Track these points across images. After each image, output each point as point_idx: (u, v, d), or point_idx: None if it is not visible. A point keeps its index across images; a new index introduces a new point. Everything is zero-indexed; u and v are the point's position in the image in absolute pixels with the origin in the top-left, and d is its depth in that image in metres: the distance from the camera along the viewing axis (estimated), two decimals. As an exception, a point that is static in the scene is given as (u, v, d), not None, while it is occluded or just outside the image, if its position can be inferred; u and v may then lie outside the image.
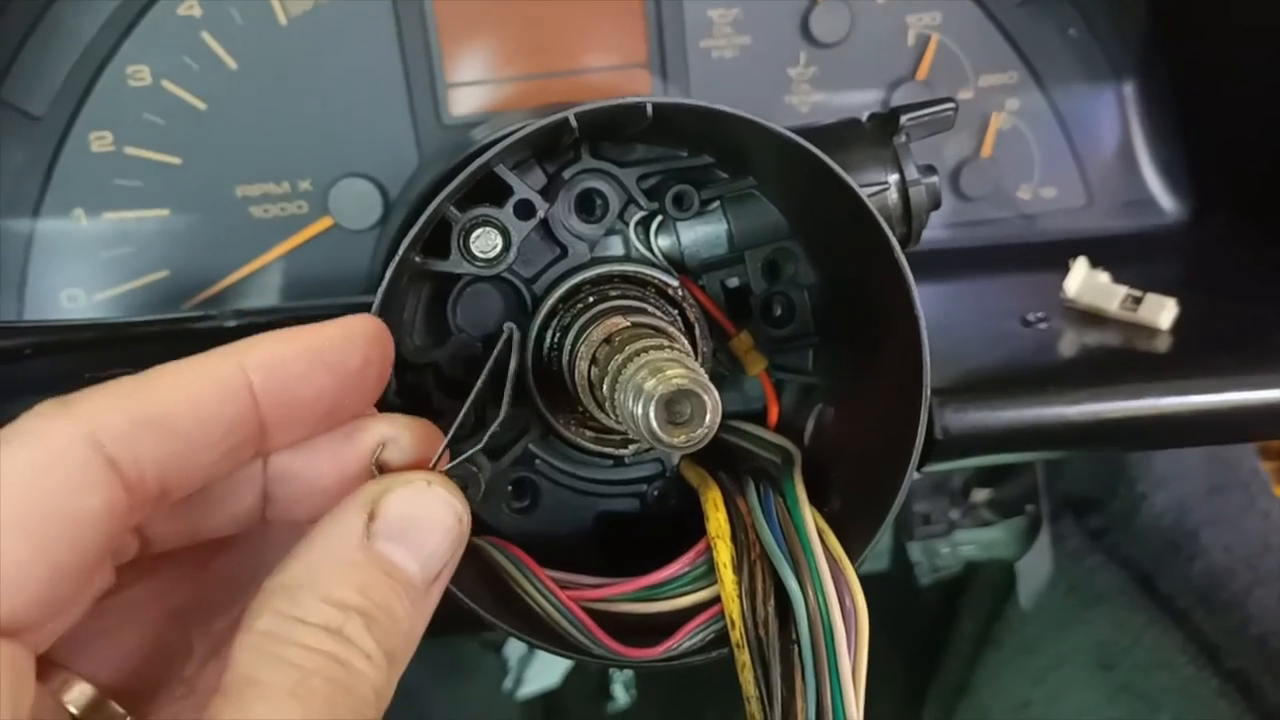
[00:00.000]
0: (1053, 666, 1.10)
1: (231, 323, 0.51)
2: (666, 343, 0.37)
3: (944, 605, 1.21)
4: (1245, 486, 1.07)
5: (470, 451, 0.38)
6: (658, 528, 0.48)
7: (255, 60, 0.61)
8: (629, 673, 1.15)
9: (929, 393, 0.40)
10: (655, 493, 0.48)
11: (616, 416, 0.35)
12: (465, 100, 0.63)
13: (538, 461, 0.47)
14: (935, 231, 0.67)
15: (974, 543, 1.09)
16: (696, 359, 0.47)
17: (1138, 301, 0.55)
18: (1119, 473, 1.09)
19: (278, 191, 0.63)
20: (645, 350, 0.35)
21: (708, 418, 0.32)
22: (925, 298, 0.63)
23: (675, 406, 0.32)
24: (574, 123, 0.39)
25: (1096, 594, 1.08)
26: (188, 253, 0.62)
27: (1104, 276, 0.57)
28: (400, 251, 0.37)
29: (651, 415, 0.32)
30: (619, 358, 0.36)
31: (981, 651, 1.18)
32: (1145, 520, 1.06)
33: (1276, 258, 0.63)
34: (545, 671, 1.13)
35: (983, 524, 1.08)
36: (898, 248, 0.39)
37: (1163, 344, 0.54)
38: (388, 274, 0.37)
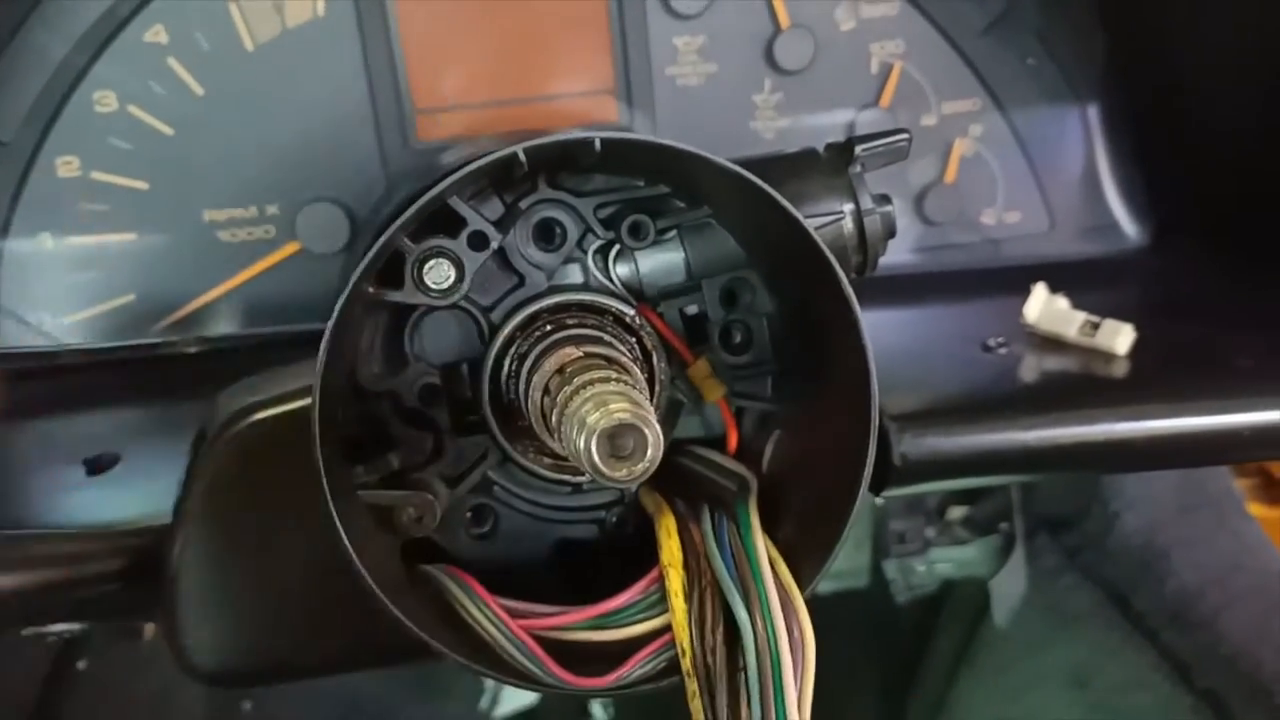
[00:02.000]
0: (1029, 685, 1.10)
1: (193, 349, 0.51)
2: (615, 375, 0.37)
3: (922, 622, 1.22)
4: (1217, 505, 1.07)
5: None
6: (617, 553, 0.48)
7: (222, 86, 0.62)
8: (606, 692, 1.14)
9: (877, 422, 0.40)
10: (614, 519, 0.48)
11: (565, 447, 0.36)
12: (433, 125, 0.64)
13: (496, 488, 0.47)
14: (901, 256, 0.68)
15: (949, 561, 1.09)
16: (654, 386, 0.47)
17: (1095, 327, 0.56)
18: (1093, 492, 1.10)
19: (245, 216, 0.63)
20: (592, 383, 0.36)
21: (649, 452, 0.32)
22: (888, 323, 0.64)
23: (617, 440, 0.33)
24: (522, 157, 0.39)
25: (1071, 613, 1.09)
26: (155, 277, 0.62)
27: (1063, 302, 0.57)
28: (350, 283, 0.37)
29: (593, 449, 0.32)
30: (568, 389, 0.37)
31: (958, 669, 1.18)
32: (1118, 539, 1.07)
33: (1235, 282, 0.64)
34: (522, 691, 1.13)
35: (958, 542, 1.08)
36: (844, 280, 0.40)
37: (1120, 369, 0.55)
38: (337, 306, 0.37)
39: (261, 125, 0.62)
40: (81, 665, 0.82)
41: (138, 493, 0.53)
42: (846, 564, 1.16)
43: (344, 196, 0.63)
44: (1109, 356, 0.55)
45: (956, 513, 1.07)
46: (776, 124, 0.66)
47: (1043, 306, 0.57)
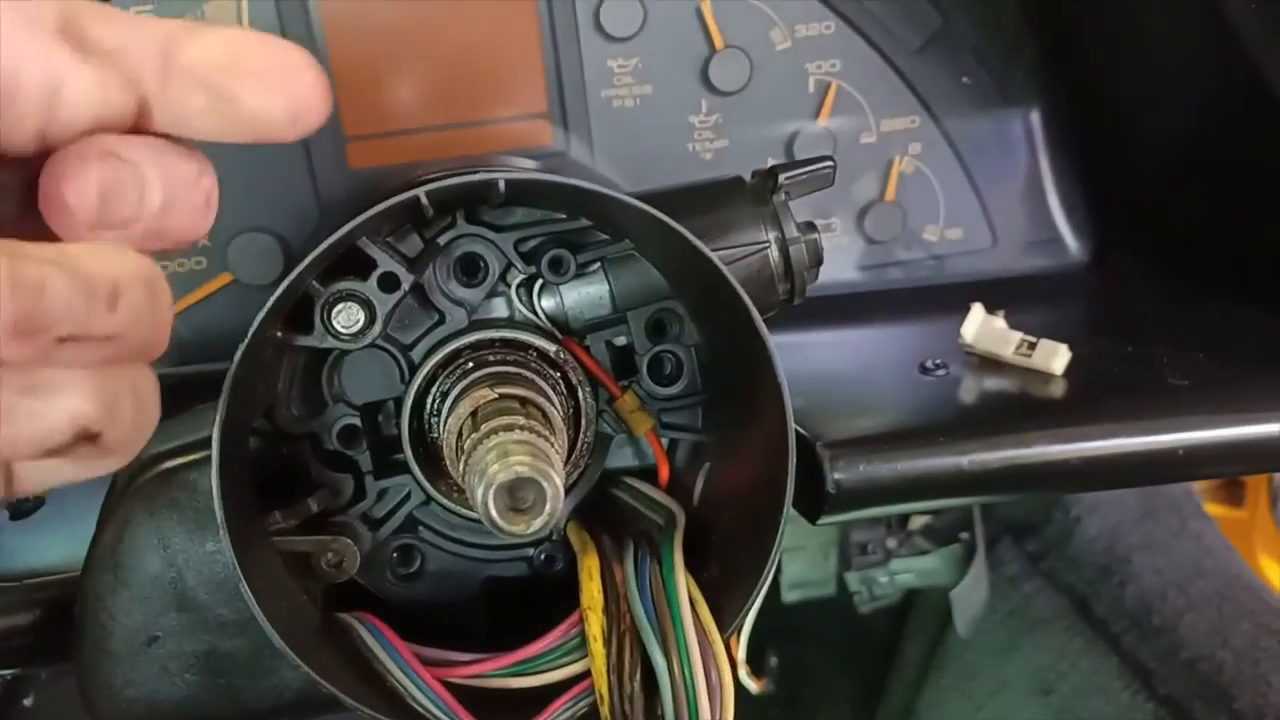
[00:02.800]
0: (994, 692, 1.10)
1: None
2: (525, 420, 0.37)
3: (888, 632, 1.21)
4: (1178, 509, 1.08)
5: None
6: (547, 592, 0.48)
7: (149, 115, 0.60)
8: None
9: (794, 452, 0.40)
10: (542, 556, 0.48)
11: (468, 497, 0.35)
12: (366, 152, 0.63)
13: (422, 528, 0.47)
14: (843, 274, 0.67)
15: (911, 571, 1.09)
16: (580, 421, 0.47)
17: (1032, 347, 0.55)
18: (1054, 497, 1.10)
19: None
20: (498, 430, 0.35)
21: (548, 506, 0.32)
22: (827, 344, 0.64)
23: (517, 493, 0.32)
24: (425, 200, 0.38)
25: (1035, 619, 1.09)
26: (84, 311, 0.61)
27: (1000, 322, 0.57)
28: (251, 331, 0.36)
29: (490, 502, 0.32)
30: (474, 435, 0.36)
31: (925, 677, 1.18)
32: (1080, 545, 1.07)
33: (1174, 299, 0.64)
34: None
35: (919, 552, 1.08)
36: (756, 314, 0.39)
37: (1056, 390, 0.55)
38: (237, 355, 0.37)
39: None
40: (28, 702, 0.81)
41: (61, 536, 0.52)
42: (814, 574, 1.15)
43: (276, 226, 0.62)
44: (1046, 377, 0.55)
45: (918, 523, 1.07)
46: (715, 144, 0.65)
47: (979, 326, 0.57)
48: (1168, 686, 0.94)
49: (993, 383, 0.56)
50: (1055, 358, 0.55)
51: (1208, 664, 0.93)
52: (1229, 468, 0.71)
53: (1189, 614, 0.98)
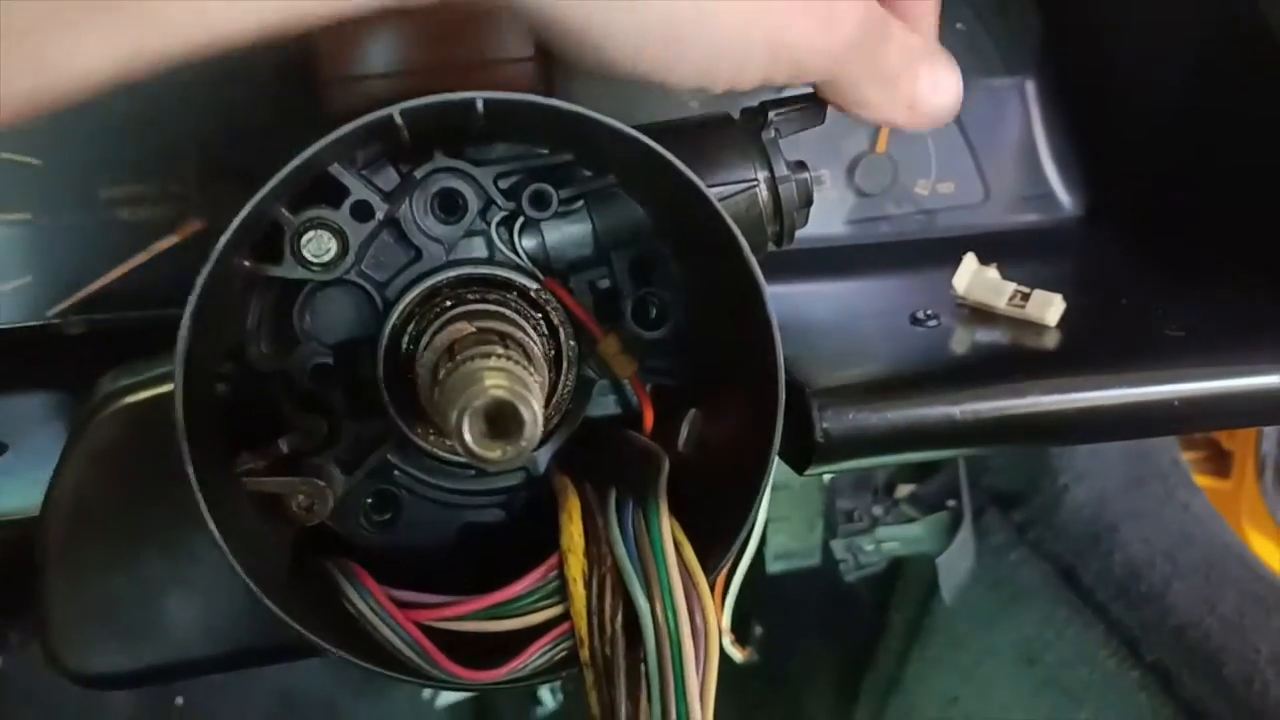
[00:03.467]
0: (979, 662, 1.10)
1: (76, 330, 0.48)
2: (502, 350, 0.35)
3: (874, 601, 1.21)
4: (1165, 478, 1.07)
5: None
6: (526, 538, 0.46)
7: (118, 55, 0.59)
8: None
9: (783, 399, 0.38)
10: (522, 501, 0.46)
11: (443, 426, 0.33)
12: (344, 95, 0.61)
13: (397, 473, 0.45)
14: (832, 228, 0.66)
15: (897, 539, 1.08)
16: (561, 364, 0.45)
17: (1026, 298, 0.54)
18: (1041, 466, 1.09)
19: (145, 193, 0.60)
20: (473, 359, 0.34)
21: (526, 430, 0.30)
22: (816, 295, 0.63)
23: (494, 418, 0.31)
24: (399, 119, 0.37)
25: (1021, 588, 1.08)
26: (51, 258, 0.59)
27: (993, 272, 0.56)
28: (214, 253, 0.35)
29: (465, 426, 0.30)
30: (449, 365, 0.34)
31: (911, 647, 1.18)
32: (1067, 514, 1.06)
33: (1169, 253, 0.63)
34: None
35: (905, 520, 1.08)
36: (746, 248, 0.38)
37: (1050, 340, 0.54)
38: (199, 280, 0.35)
39: (160, 96, 0.59)
40: (-1, 664, 0.80)
41: (25, 482, 0.51)
42: (798, 543, 1.15)
43: (250, 171, 0.60)
44: (1040, 328, 0.54)
45: (904, 490, 1.06)
46: (702, 92, 0.63)
47: (972, 277, 0.56)
48: (1155, 654, 0.94)
49: (985, 334, 0.55)
50: (1050, 309, 0.53)
51: (1195, 631, 0.93)
52: (1224, 420, 0.70)
53: (1176, 582, 0.97)
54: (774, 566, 1.14)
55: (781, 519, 1.13)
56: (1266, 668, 0.86)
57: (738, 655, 0.92)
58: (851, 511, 1.07)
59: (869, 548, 1.08)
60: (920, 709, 1.15)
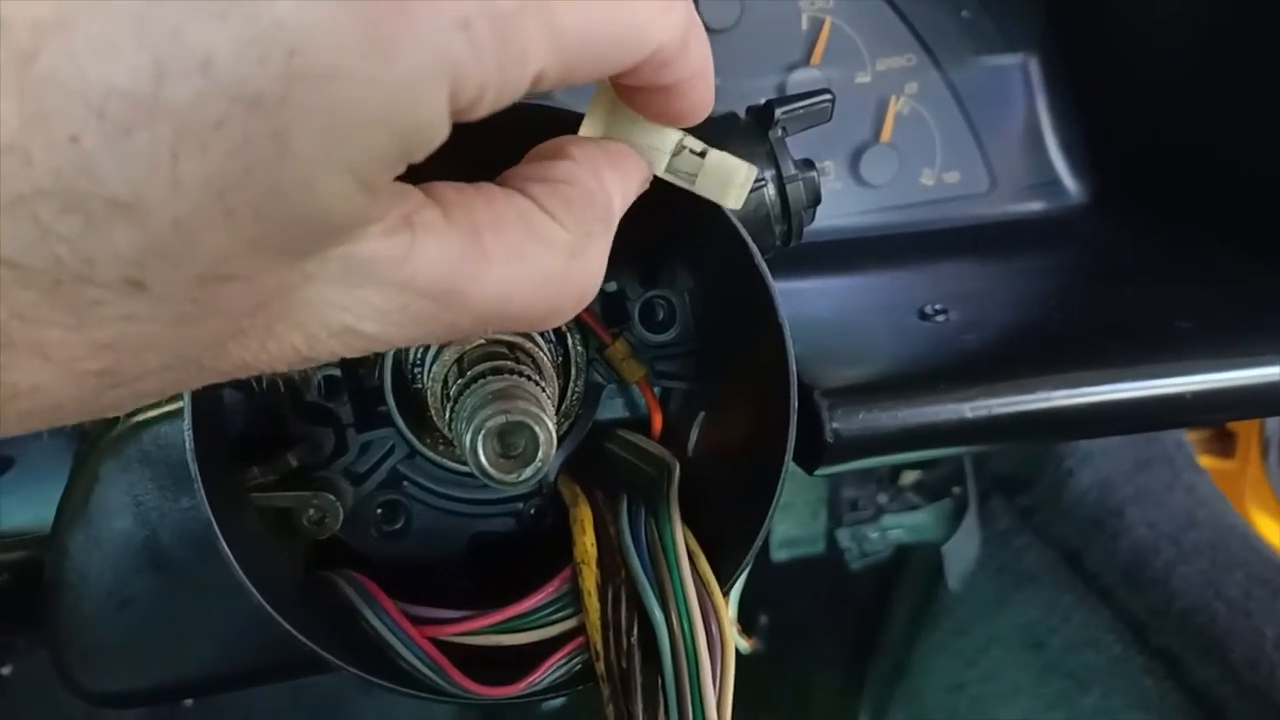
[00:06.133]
0: (985, 647, 1.10)
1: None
2: (513, 365, 0.35)
3: (879, 588, 1.21)
4: (1170, 461, 1.07)
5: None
6: (536, 547, 0.46)
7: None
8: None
9: (796, 402, 0.38)
10: (532, 510, 0.46)
11: (456, 446, 0.33)
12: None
13: (407, 483, 0.45)
14: (836, 220, 0.65)
15: (902, 527, 1.08)
16: (570, 370, 0.45)
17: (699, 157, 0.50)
18: (1045, 451, 1.09)
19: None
20: (486, 375, 0.33)
21: (540, 451, 0.30)
22: (822, 291, 0.62)
23: (509, 439, 0.30)
24: None
25: (1026, 573, 1.08)
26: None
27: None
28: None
29: (480, 449, 0.30)
30: (460, 382, 0.34)
31: (916, 634, 1.18)
32: (1072, 498, 1.06)
33: (1177, 241, 0.62)
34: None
35: (910, 508, 1.07)
36: (756, 252, 0.37)
37: (1060, 333, 0.53)
38: None
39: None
40: (6, 671, 0.79)
41: (31, 497, 0.50)
42: (803, 531, 1.15)
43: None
44: (1046, 321, 0.53)
45: (909, 478, 1.06)
46: (705, 86, 0.63)
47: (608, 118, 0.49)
48: (1160, 639, 0.94)
49: (995, 328, 0.54)
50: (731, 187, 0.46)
51: (1201, 616, 0.93)
52: (1235, 412, 0.70)
53: (1181, 566, 0.97)
54: (779, 554, 1.14)
55: (786, 506, 1.13)
56: (1273, 651, 0.86)
57: (744, 645, 0.92)
58: (856, 500, 1.07)
59: (874, 536, 1.08)
60: (926, 695, 1.16)
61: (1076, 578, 1.03)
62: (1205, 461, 1.16)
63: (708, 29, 0.61)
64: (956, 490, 1.07)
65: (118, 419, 0.40)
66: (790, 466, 0.46)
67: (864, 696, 1.22)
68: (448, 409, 0.34)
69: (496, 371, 0.33)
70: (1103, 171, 0.67)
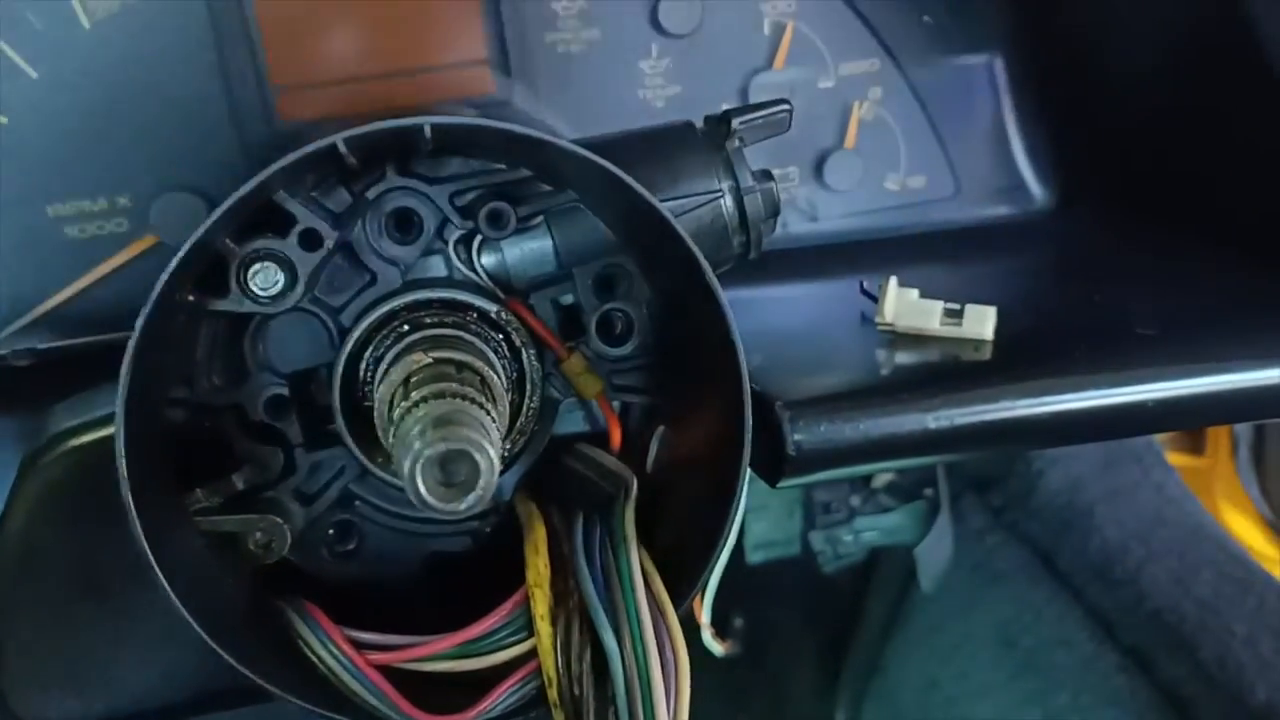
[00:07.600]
0: (958, 645, 1.10)
1: (24, 361, 0.46)
2: (459, 387, 0.34)
3: (853, 589, 1.21)
4: (1139, 459, 1.07)
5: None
6: (495, 565, 0.45)
7: (59, 68, 0.56)
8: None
9: (750, 417, 0.37)
10: (489, 529, 0.45)
11: (397, 471, 0.32)
12: (296, 104, 0.59)
13: (358, 503, 0.44)
14: (801, 226, 0.65)
15: (875, 529, 1.08)
16: (525, 386, 0.44)
17: (957, 314, 0.51)
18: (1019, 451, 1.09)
19: (94, 209, 0.58)
20: (428, 399, 0.32)
21: (481, 480, 0.29)
22: (784, 300, 0.61)
23: (449, 467, 0.29)
24: (343, 148, 0.35)
25: (998, 572, 1.08)
26: (-4, 279, 0.57)
27: (913, 294, 0.53)
28: (155, 293, 0.33)
29: (418, 477, 0.29)
30: (404, 404, 0.33)
31: (891, 633, 1.18)
32: (1042, 497, 1.06)
33: (1143, 244, 0.62)
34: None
35: (883, 510, 1.07)
36: (707, 267, 0.37)
37: (1024, 343, 0.53)
38: (140, 319, 0.33)
39: (106, 109, 0.57)
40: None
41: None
42: (778, 534, 1.14)
43: (202, 183, 0.59)
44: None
45: (881, 480, 1.06)
46: (666, 91, 0.62)
47: (897, 303, 0.52)
48: (1131, 637, 0.94)
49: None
50: (985, 323, 0.51)
51: (1171, 614, 0.93)
52: (1200, 419, 0.70)
53: (1150, 565, 0.97)
54: (754, 556, 1.14)
55: (760, 508, 1.12)
56: (1242, 649, 0.86)
57: (719, 649, 0.92)
58: (829, 503, 1.06)
59: (848, 538, 1.07)
60: (900, 693, 1.15)
61: (1048, 577, 1.03)
62: (1175, 459, 1.16)
63: (668, 34, 0.61)
64: (929, 492, 1.06)
65: (52, 442, 0.39)
66: (754, 476, 0.45)
67: (839, 696, 1.21)
68: (390, 431, 0.34)
69: (440, 395, 0.32)
70: (1068, 175, 0.67)
